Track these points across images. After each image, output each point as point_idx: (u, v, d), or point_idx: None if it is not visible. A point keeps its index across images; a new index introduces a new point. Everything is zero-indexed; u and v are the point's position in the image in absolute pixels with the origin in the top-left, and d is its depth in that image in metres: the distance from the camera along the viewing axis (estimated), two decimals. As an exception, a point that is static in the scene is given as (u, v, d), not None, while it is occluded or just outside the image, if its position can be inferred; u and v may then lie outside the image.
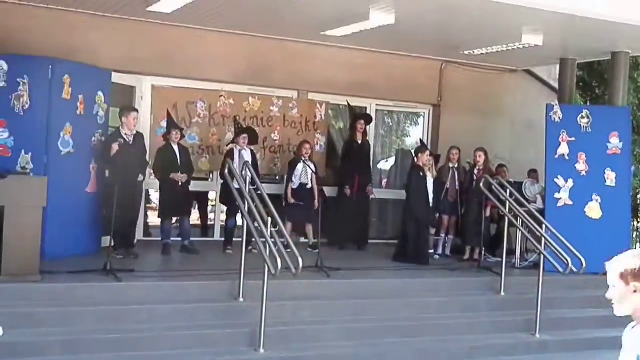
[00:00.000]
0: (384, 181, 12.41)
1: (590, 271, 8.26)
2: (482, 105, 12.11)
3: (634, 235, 15.97)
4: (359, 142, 10.66)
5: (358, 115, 10.89)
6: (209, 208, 11.85)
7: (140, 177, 8.77)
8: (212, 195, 11.35)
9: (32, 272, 6.79)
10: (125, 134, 8.51)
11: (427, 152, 10.05)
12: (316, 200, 9.88)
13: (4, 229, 6.70)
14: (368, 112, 11.73)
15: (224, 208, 10.07)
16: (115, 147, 8.22)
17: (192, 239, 9.80)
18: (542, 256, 8.17)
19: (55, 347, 6.12)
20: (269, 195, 7.58)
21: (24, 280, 6.69)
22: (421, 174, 9.74)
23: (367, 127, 10.95)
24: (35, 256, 6.87)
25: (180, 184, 9.01)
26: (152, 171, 9.39)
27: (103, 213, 8.43)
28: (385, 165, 12.60)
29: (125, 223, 8.53)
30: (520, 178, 10.79)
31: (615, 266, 2.86)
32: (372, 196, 11.05)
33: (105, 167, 8.55)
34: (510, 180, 10.31)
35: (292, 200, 9.92)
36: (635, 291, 2.81)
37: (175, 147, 9.08)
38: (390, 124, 12.81)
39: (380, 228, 11.98)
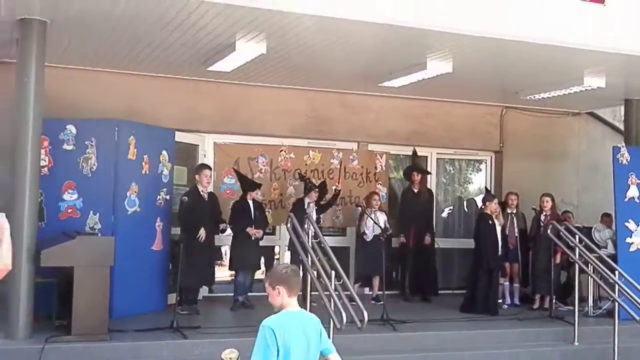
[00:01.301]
0: (446, 230, 12.22)
1: (668, 319, 7.95)
2: (545, 149, 11.91)
3: None
4: (415, 191, 10.59)
5: (410, 167, 10.83)
6: (274, 262, 11.89)
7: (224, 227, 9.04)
8: (276, 249, 11.38)
9: (101, 331, 6.90)
10: (202, 191, 8.74)
11: (495, 200, 9.89)
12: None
13: (74, 290, 6.84)
14: (429, 160, 11.69)
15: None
16: (202, 234, 8.50)
17: (256, 293, 9.84)
18: (616, 304, 7.88)
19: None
20: (331, 247, 7.54)
21: (93, 340, 6.79)
22: (490, 222, 9.58)
23: (426, 177, 10.91)
24: (103, 315, 6.99)
25: (253, 238, 9.10)
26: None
27: (172, 269, 8.58)
28: (447, 213, 12.43)
29: (196, 280, 8.66)
30: (590, 222, 10.50)
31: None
32: (436, 245, 10.96)
33: (187, 225, 8.68)
34: (579, 225, 10.05)
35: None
36: (268, 291, 3.94)
37: (250, 202, 9.23)
38: (452, 171, 12.69)
39: (445, 278, 11.75)
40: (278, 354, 3.73)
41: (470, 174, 12.87)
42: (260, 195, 10.24)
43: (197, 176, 8.83)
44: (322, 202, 9.83)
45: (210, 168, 9.13)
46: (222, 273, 10.93)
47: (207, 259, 8.79)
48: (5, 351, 6.55)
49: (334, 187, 10.25)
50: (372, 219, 9.76)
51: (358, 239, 10.30)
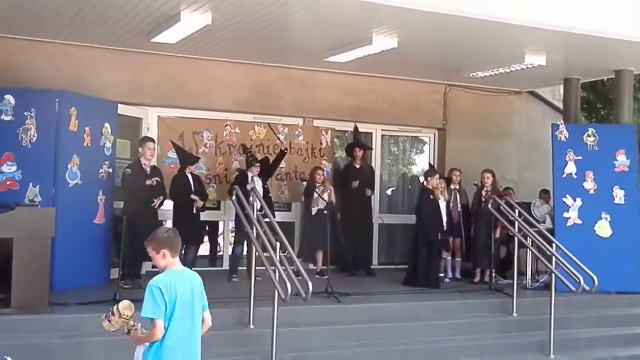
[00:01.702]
0: (390, 207, 12.35)
1: (602, 290, 8.25)
2: (487, 127, 12.12)
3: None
4: (357, 166, 10.68)
5: (352, 143, 10.90)
6: (219, 237, 11.86)
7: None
8: (220, 224, 11.35)
9: (41, 303, 6.77)
10: (144, 164, 8.62)
11: (437, 176, 10.04)
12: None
13: (13, 261, 6.69)
14: (373, 137, 11.81)
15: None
16: (149, 182, 8.44)
17: (200, 268, 9.81)
18: (553, 275, 8.10)
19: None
20: (277, 222, 7.56)
21: (33, 312, 6.66)
22: (431, 196, 9.72)
23: (369, 152, 11.16)
24: (44, 288, 6.85)
25: (195, 210, 9.06)
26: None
27: (115, 243, 8.45)
28: (390, 191, 12.56)
29: (140, 254, 8.51)
30: (529, 199, 10.75)
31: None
32: (380, 221, 11.08)
33: (129, 198, 8.57)
34: (519, 201, 10.29)
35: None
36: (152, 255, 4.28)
37: (189, 175, 9.18)
38: (397, 152, 12.82)
39: (389, 253, 11.92)
40: (166, 308, 4.10)
41: (415, 154, 13.02)
42: (205, 170, 10.19)
43: (140, 149, 8.73)
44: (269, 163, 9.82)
45: (153, 141, 9.02)
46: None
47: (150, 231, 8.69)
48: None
49: (280, 149, 10.28)
50: (317, 193, 9.80)
51: (304, 214, 10.29)
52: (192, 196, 9.00)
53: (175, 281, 4.20)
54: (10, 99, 7.97)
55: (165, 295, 4.10)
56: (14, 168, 7.94)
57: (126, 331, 4.15)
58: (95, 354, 6.44)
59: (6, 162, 7.93)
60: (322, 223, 9.43)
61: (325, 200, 9.58)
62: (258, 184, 9.17)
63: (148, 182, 8.41)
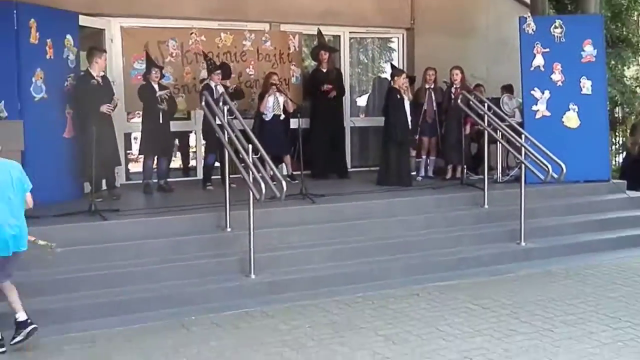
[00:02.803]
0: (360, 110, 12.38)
1: (570, 179, 8.44)
2: (455, 25, 11.99)
3: (612, 148, 16.05)
4: (324, 70, 10.60)
5: (317, 47, 10.75)
6: (190, 149, 11.83)
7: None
8: (192, 135, 11.30)
9: (16, 216, 6.73)
10: (97, 76, 8.42)
11: (404, 75, 9.98)
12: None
13: (-17, 176, 6.62)
14: (341, 40, 11.68)
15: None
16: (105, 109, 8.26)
17: (174, 179, 9.84)
18: (523, 167, 8.23)
19: (46, 287, 6.16)
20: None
21: (9, 225, 6.64)
22: (398, 96, 9.70)
23: (335, 55, 11.06)
24: (17, 201, 6.80)
25: (162, 120, 8.94)
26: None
27: (82, 158, 8.33)
28: (363, 99, 12.53)
29: (106, 165, 8.46)
30: (498, 95, 10.77)
31: None
32: (352, 124, 11.10)
33: (79, 112, 8.43)
34: (488, 97, 10.32)
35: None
36: None
37: (156, 86, 9.01)
38: (366, 60, 12.70)
39: (362, 156, 12.01)
40: None
41: (385, 62, 12.88)
42: (172, 80, 10.07)
43: (95, 59, 8.40)
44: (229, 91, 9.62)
45: (105, 51, 8.81)
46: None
47: (114, 142, 8.66)
48: None
49: (233, 86, 10.05)
50: (279, 91, 9.75)
51: (257, 119, 10.05)
52: (158, 94, 8.87)
53: None
54: (-35, 14, 7.72)
55: None
56: (-24, 84, 7.77)
57: None
58: (75, 263, 6.49)
59: (-33, 78, 7.75)
60: (279, 128, 9.42)
61: (285, 96, 9.67)
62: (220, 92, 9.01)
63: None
